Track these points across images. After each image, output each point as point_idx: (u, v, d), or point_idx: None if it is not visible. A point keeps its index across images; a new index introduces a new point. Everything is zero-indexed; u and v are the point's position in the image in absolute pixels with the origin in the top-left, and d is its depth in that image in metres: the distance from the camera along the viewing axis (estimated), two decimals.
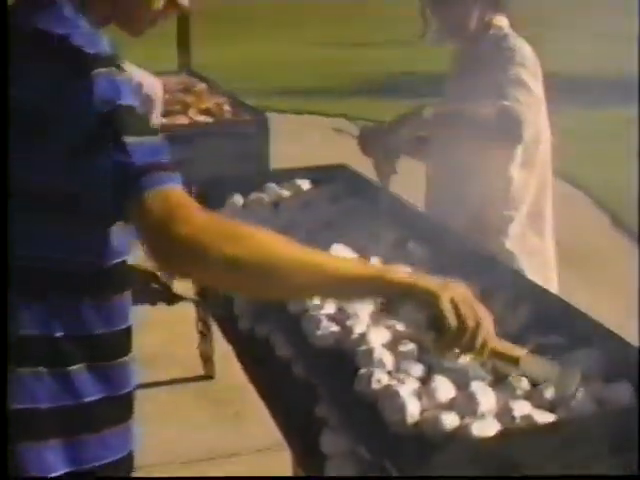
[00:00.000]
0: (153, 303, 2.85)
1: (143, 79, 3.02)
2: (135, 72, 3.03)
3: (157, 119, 3.10)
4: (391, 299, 1.57)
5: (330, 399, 1.81)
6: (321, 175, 3.06)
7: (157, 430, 3.80)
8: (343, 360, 1.86)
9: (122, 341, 1.55)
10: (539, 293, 2.06)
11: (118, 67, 1.38)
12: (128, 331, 1.57)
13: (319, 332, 1.96)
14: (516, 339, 1.86)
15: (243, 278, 1.40)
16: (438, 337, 1.51)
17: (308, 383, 1.98)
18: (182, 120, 4.10)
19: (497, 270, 2.18)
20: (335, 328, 1.96)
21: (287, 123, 9.33)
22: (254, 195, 2.95)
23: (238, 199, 2.94)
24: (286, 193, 2.96)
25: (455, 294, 1.49)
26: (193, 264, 1.37)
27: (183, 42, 10.48)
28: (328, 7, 27.90)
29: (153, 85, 3.06)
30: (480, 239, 2.68)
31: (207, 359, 3.92)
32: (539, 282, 2.67)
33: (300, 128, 10.19)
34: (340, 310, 2.03)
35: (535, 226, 2.76)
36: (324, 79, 14.23)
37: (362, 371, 1.76)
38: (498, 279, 2.11)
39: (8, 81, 1.38)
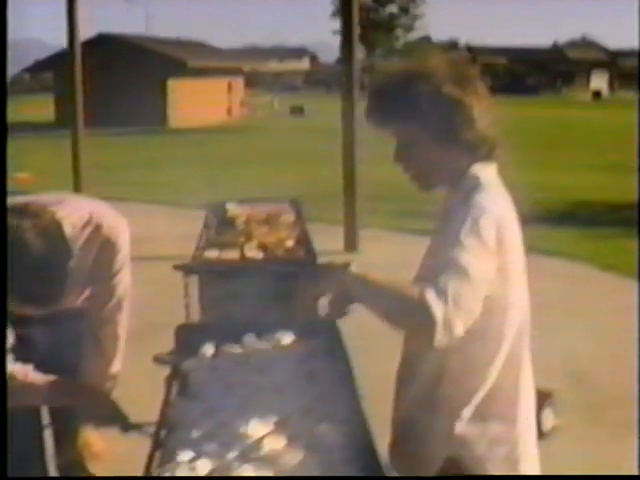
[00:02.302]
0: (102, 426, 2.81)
1: (104, 220, 2.94)
2: (97, 212, 2.96)
3: (121, 263, 2.99)
4: None
5: None
6: (310, 328, 2.86)
7: None
8: None
9: None
10: None
11: None
12: None
13: None
14: None
15: None
16: None
17: None
18: (233, 255, 4.04)
19: None
20: None
21: None
22: (228, 346, 2.80)
23: (209, 349, 2.79)
24: (263, 346, 2.79)
25: None
26: None
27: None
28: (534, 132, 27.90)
29: (115, 227, 2.97)
30: (430, 419, 2.38)
31: None
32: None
33: None
34: None
35: (500, 410, 2.39)
36: None
37: None
38: None
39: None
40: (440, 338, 2.04)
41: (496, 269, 2.21)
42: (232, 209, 5.11)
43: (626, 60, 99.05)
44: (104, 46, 37.41)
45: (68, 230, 2.75)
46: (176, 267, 3.83)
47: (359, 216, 10.91)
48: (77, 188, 13.26)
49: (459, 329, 2.07)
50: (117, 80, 36.59)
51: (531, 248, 8.85)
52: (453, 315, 2.04)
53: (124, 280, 3.04)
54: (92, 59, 33.06)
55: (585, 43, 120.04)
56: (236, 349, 2.77)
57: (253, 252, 4.07)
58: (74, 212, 2.88)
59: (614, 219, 13.19)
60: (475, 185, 2.36)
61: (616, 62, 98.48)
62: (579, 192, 15.83)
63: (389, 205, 13.60)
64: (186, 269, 3.84)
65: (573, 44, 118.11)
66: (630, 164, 18.29)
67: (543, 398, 5.05)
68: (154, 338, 3.99)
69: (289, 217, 4.97)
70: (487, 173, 2.42)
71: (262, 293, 3.71)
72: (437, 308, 2.03)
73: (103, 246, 2.95)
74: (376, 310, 2.15)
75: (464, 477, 2.35)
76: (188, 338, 2.90)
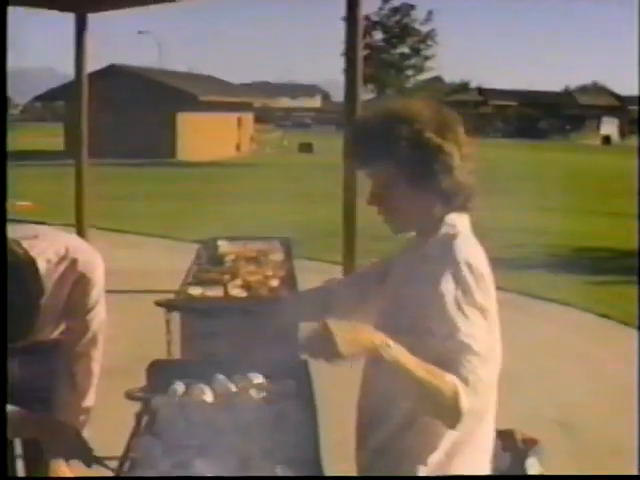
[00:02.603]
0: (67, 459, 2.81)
1: (79, 255, 2.94)
2: (73, 247, 2.97)
3: (97, 298, 3.00)
4: None
5: None
6: (281, 370, 2.86)
7: None
8: None
9: None
10: None
11: None
12: None
13: None
14: None
15: None
16: None
17: None
18: (217, 292, 4.04)
19: None
20: None
21: None
22: (198, 386, 2.78)
23: (179, 387, 2.79)
24: (233, 387, 2.79)
25: None
26: None
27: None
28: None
29: (90, 262, 2.98)
30: (394, 464, 2.37)
31: None
32: None
33: None
34: None
35: (465, 454, 2.39)
36: (507, 249, 13.83)
37: None
38: None
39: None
40: (460, 425, 2.16)
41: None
42: (223, 246, 5.12)
43: (635, 106, 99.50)
44: (115, 77, 37.72)
45: (42, 266, 2.76)
46: (158, 303, 3.82)
47: (358, 256, 10.87)
48: (79, 218, 13.26)
49: (474, 410, 2.18)
50: (127, 111, 36.83)
51: (529, 293, 8.84)
52: (474, 402, 2.15)
53: (99, 315, 3.06)
54: (103, 89, 33.40)
55: (596, 89, 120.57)
56: (206, 389, 2.77)
57: (237, 290, 4.07)
58: (49, 247, 2.89)
59: (616, 266, 13.15)
60: (453, 234, 2.37)
61: (626, 108, 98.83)
62: (583, 238, 15.80)
63: (389, 245, 13.59)
64: (168, 306, 3.83)
65: (584, 89, 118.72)
66: (635, 211, 18.30)
67: (529, 445, 4.98)
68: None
69: (278, 256, 4.97)
70: (463, 223, 2.42)
71: (243, 332, 3.69)
72: (465, 402, 2.13)
73: (78, 281, 2.96)
74: (401, 388, 2.21)
75: (464, 477, 2.35)
76: (160, 375, 2.90)
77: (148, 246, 13.32)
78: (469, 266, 2.28)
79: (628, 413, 6.11)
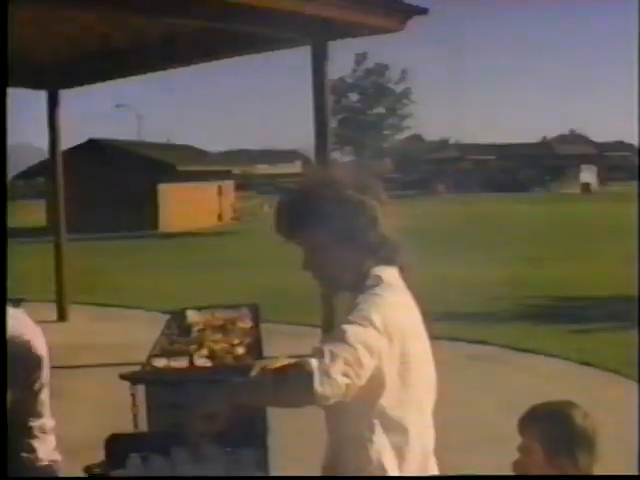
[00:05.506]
0: None
1: (33, 337, 2.94)
2: (28, 330, 2.95)
3: (46, 377, 3.01)
4: None
5: None
6: (239, 439, 2.84)
7: None
8: None
9: None
10: None
11: None
12: None
13: None
14: None
15: None
16: None
17: None
18: (182, 363, 4.03)
19: None
20: None
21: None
22: (155, 458, 2.78)
23: (136, 461, 2.79)
24: (189, 458, 2.78)
25: None
26: None
27: None
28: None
29: (43, 345, 2.98)
30: None
31: None
32: None
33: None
34: None
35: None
36: (489, 302, 13.78)
37: None
38: None
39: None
40: (319, 385, 2.12)
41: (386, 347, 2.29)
42: (191, 316, 5.13)
43: (613, 153, 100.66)
44: (95, 151, 37.84)
45: None
46: (122, 376, 3.82)
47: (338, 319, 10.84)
48: (59, 294, 13.26)
49: (339, 377, 2.16)
50: (109, 185, 36.81)
51: (511, 346, 8.77)
52: (330, 365, 2.15)
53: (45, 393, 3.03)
54: (83, 164, 33.54)
55: (573, 137, 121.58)
56: (162, 462, 2.76)
57: (202, 360, 4.07)
58: None
59: (599, 313, 13.08)
60: (377, 282, 2.43)
61: (603, 155, 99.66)
62: (565, 287, 15.79)
63: None
64: (132, 379, 3.83)
65: (562, 138, 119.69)
66: (618, 255, 18.40)
67: None
68: None
69: (246, 323, 4.98)
70: (389, 274, 2.48)
71: (207, 402, 3.67)
72: (312, 362, 2.15)
73: (34, 363, 2.94)
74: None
75: (464, 477, 2.37)
76: (118, 449, 2.89)
77: (130, 319, 13.25)
78: (374, 295, 2.37)
79: (616, 460, 6.06)
